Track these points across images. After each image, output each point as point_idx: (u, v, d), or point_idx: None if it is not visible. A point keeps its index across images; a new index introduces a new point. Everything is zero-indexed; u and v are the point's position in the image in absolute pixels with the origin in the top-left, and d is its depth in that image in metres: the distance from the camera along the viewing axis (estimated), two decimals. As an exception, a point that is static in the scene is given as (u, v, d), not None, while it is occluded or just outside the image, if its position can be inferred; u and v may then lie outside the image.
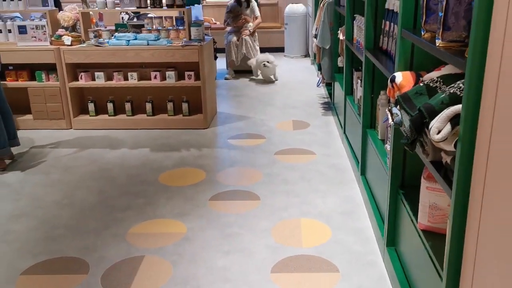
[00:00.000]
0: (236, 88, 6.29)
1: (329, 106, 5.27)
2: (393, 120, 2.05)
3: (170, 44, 4.46)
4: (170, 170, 3.71)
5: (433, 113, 1.52)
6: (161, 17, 4.80)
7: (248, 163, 3.80)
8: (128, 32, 4.62)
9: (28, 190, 3.42)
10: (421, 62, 2.08)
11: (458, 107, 1.40)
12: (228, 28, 7.15)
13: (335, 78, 4.85)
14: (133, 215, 3.02)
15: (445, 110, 1.46)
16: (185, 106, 4.64)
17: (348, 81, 4.00)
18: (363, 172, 3.26)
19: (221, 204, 3.14)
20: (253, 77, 6.85)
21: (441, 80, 1.77)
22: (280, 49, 8.55)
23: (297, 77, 6.85)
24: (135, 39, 4.48)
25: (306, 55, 8.37)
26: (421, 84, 1.82)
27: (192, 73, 4.52)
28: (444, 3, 1.53)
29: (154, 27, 4.76)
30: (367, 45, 3.03)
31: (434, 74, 1.85)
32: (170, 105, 4.65)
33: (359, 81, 3.51)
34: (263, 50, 7.51)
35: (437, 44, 1.59)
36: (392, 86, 2.08)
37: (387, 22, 2.78)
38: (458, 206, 1.35)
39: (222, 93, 6.06)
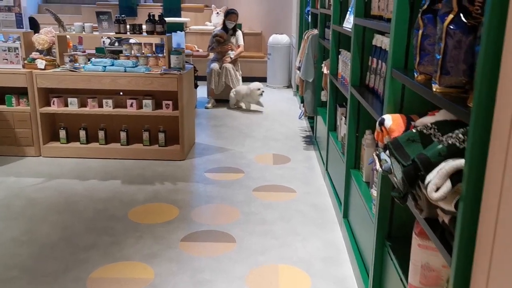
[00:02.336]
0: (216, 118, 6.13)
1: (311, 140, 5.13)
2: (381, 167, 1.89)
3: (149, 72, 4.29)
4: (141, 205, 3.48)
5: (429, 166, 1.36)
6: (140, 44, 4.64)
7: (224, 200, 3.60)
8: (105, 58, 4.44)
9: (-15, 223, 3.16)
10: (412, 104, 1.94)
11: (459, 162, 1.24)
12: (211, 56, 7.04)
13: (317, 112, 4.72)
14: (97, 255, 2.78)
15: (443, 164, 1.30)
16: (161, 136, 4.44)
17: (331, 117, 3.87)
18: (345, 214, 3.09)
19: (194, 246, 2.92)
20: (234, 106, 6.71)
21: (435, 127, 1.62)
22: (263, 79, 8.45)
23: (279, 107, 6.73)
24: (112, 65, 4.30)
25: (289, 85, 8.29)
26: (414, 130, 1.67)
27: (170, 102, 4.34)
28: (443, 45, 1.40)
29: (132, 53, 4.59)
30: (352, 81, 2.91)
31: (428, 120, 1.70)
32: (145, 135, 4.45)
33: (343, 117, 3.37)
34: (245, 79, 7.40)
35: (434, 89, 1.45)
36: (381, 130, 1.93)
37: (374, 59, 2.66)
38: (459, 278, 1.17)
39: (201, 122, 5.89)
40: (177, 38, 6.69)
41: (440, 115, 1.70)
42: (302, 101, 5.26)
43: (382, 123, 1.92)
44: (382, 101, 2.36)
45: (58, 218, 3.24)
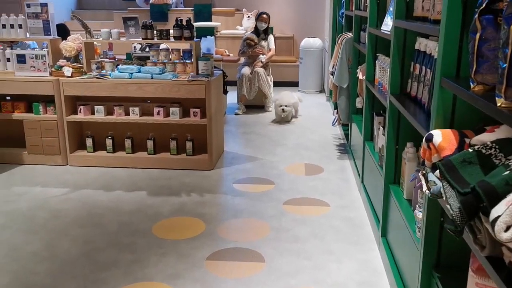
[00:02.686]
0: (246, 125, 5.95)
1: (345, 148, 4.88)
2: (429, 189, 1.66)
3: (176, 79, 4.15)
4: (167, 219, 3.32)
5: (495, 197, 1.14)
6: (168, 49, 4.50)
7: (253, 214, 3.41)
8: (132, 64, 4.33)
9: (6, 237, 3.06)
10: (464, 118, 1.70)
11: (536, 197, 1.01)
12: (242, 60, 6.87)
13: (352, 119, 4.48)
14: (118, 274, 2.63)
15: (513, 196, 1.07)
16: (189, 144, 4.29)
17: (367, 126, 3.63)
18: (384, 233, 2.84)
19: (220, 266, 2.73)
20: (266, 112, 6.52)
21: (497, 147, 1.39)
22: (294, 84, 8.24)
23: (311, 114, 6.50)
24: (139, 71, 4.18)
25: (321, 90, 8.05)
26: (470, 150, 1.44)
27: (198, 110, 4.19)
28: (509, 51, 1.17)
29: (160, 59, 4.46)
30: (392, 89, 2.67)
31: (487, 137, 1.46)
32: (173, 143, 4.31)
33: (381, 128, 3.13)
34: (276, 84, 7.21)
35: (499, 104, 1.21)
36: (428, 147, 1.70)
37: (417, 65, 2.42)
38: None
39: (230, 129, 5.72)
40: (207, 43, 6.56)
41: (502, 132, 1.46)
42: (336, 108, 5.02)
43: (430, 139, 1.69)
44: (427, 113, 2.13)
45: (81, 232, 3.12)
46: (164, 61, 4.43)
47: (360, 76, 4.08)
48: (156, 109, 4.24)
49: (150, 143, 4.32)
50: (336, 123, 5.34)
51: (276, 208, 3.49)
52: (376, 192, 3.16)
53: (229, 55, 8.14)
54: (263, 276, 2.62)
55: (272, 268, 2.70)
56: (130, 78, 4.15)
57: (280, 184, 3.97)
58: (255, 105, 6.65)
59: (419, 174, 1.79)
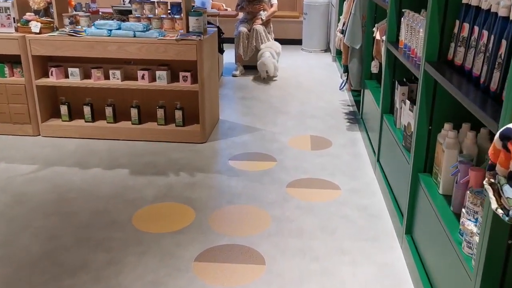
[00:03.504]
0: (244, 88, 5.38)
1: (355, 118, 4.34)
2: (506, 209, 1.15)
3: (162, 37, 3.55)
4: (150, 205, 2.83)
5: None
6: (153, 2, 3.88)
7: (252, 200, 2.91)
8: (112, 19, 3.72)
9: (-43, 229, 2.57)
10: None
11: None
12: (240, 16, 6.22)
13: (365, 86, 3.92)
14: (87, 282, 2.15)
15: None
16: (178, 114, 3.74)
17: (387, 97, 3.08)
18: (409, 230, 2.36)
19: (211, 270, 2.25)
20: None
21: None
22: (298, 42, 7.60)
23: (316, 76, 5.91)
24: (119, 28, 3.58)
25: (327, 49, 7.41)
26: None
27: (188, 74, 3.62)
28: None
29: (144, 14, 3.85)
30: (428, 55, 2.11)
31: None
32: (160, 112, 3.76)
33: (407, 102, 2.58)
34: (278, 42, 6.60)
35: None
36: (506, 148, 1.17)
37: (466, 25, 1.86)
38: None
39: (227, 93, 5.16)
40: (202, -5, 5.90)
41: None
42: (346, 71, 4.44)
43: (509, 137, 1.16)
44: (484, 90, 1.59)
45: (46, 224, 2.62)
46: (149, 16, 3.82)
47: (378, 36, 3.50)
48: (140, 73, 3.67)
49: (134, 112, 3.77)
50: (345, 87, 4.79)
51: (278, 192, 3.00)
52: (398, 179, 2.65)
53: (226, 9, 7.44)
54: (262, 284, 2.15)
55: (274, 273, 2.23)
56: (109, 35, 3.56)
57: (282, 161, 3.46)
58: (254, 65, 6.06)
59: (485, 183, 1.27)
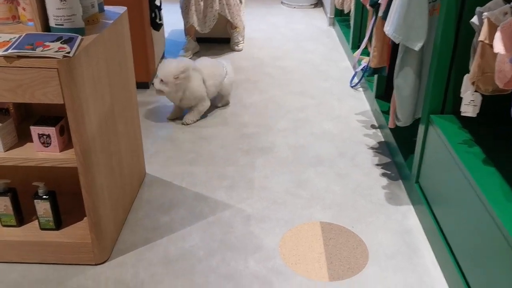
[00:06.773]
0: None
1: (394, 165, 2.39)
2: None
3: (-24, 48, 1.46)
4: None
5: None
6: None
7: None
8: None
9: None
10: None
11: None
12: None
13: (433, 124, 1.95)
14: None
15: None
16: (43, 206, 1.74)
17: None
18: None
19: None
20: (234, 51, 3.88)
21: None
22: (276, -7, 5.46)
23: (307, 56, 3.86)
24: None
25: (317, 4, 5.30)
26: None
27: (52, 130, 1.58)
28: None
29: None
30: None
31: None
32: (3, 205, 1.74)
33: None
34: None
35: None
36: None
37: None
38: None
39: (165, 102, 3.08)
40: None
41: None
42: (371, 74, 2.44)
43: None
44: None
45: None
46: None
47: (486, 38, 1.51)
48: None
49: None
50: (359, 85, 2.81)
51: None
52: None
53: None
54: None
55: None
56: None
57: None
58: (214, 37, 3.98)
59: None
